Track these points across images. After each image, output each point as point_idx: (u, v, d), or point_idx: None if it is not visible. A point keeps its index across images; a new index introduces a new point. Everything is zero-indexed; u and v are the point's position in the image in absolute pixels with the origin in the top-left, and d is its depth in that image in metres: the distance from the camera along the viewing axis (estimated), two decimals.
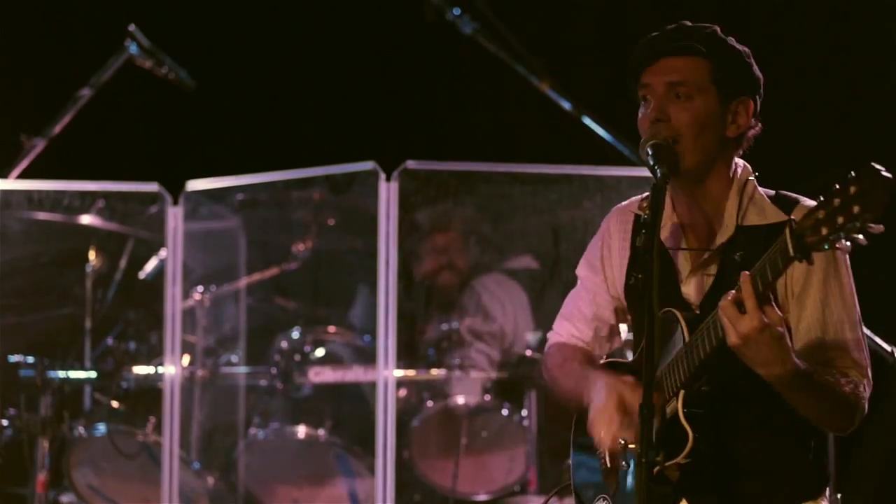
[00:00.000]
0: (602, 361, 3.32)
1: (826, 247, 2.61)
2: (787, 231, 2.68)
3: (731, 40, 3.15)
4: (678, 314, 3.02)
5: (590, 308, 3.33)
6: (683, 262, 3.14)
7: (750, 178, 3.13)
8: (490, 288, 6.16)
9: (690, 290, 3.12)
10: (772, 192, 3.14)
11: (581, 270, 3.38)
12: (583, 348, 3.35)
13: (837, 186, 2.59)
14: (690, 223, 3.14)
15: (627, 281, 3.24)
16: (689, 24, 3.16)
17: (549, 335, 3.45)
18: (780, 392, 2.88)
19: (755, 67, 3.15)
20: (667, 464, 2.92)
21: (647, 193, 3.23)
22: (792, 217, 2.78)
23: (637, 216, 3.26)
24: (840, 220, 2.57)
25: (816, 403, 2.93)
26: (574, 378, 3.24)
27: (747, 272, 2.78)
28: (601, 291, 3.31)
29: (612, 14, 6.42)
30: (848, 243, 2.59)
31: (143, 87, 6.37)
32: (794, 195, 3.12)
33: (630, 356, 3.35)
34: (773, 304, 2.82)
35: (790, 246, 2.67)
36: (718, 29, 3.15)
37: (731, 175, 3.13)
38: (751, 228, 3.07)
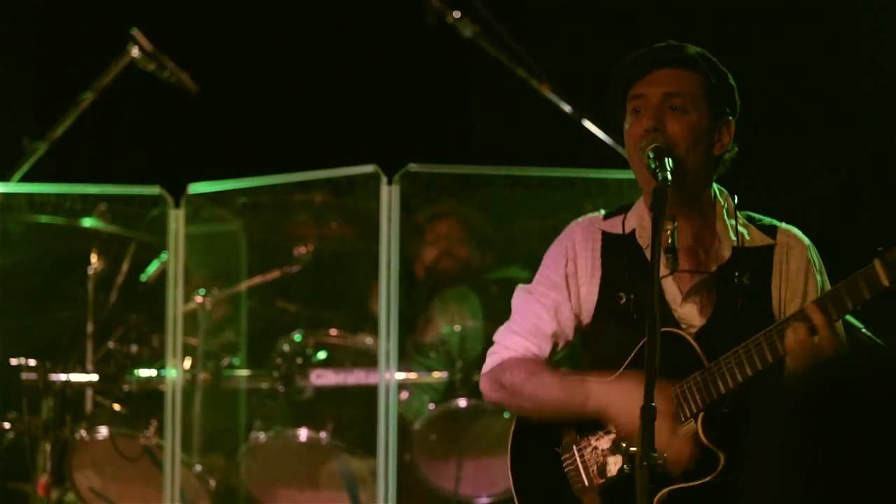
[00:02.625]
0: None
1: None
2: (878, 263, 2.73)
3: (717, 63, 3.16)
4: (686, 336, 3.01)
5: (550, 325, 3.24)
6: (672, 283, 3.13)
7: (732, 201, 3.15)
8: (446, 299, 6.14)
9: (688, 311, 3.10)
10: (745, 214, 3.16)
11: (537, 286, 3.28)
12: (544, 362, 3.25)
13: None
14: (681, 244, 3.11)
15: (609, 302, 3.19)
16: (675, 42, 3.17)
17: (495, 350, 3.33)
18: None
19: (736, 91, 3.17)
20: (693, 484, 2.92)
21: (607, 211, 3.24)
22: (879, 249, 2.81)
23: (604, 233, 3.23)
24: None
25: None
26: (559, 388, 3.15)
27: (813, 304, 2.83)
28: (563, 309, 3.24)
29: (612, 16, 6.41)
30: None
31: (144, 91, 6.37)
32: (767, 218, 3.16)
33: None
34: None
35: (884, 276, 2.72)
36: (706, 52, 3.16)
37: (713, 197, 3.14)
38: (747, 251, 3.08)
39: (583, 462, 3.12)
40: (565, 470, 3.14)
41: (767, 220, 3.16)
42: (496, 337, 3.34)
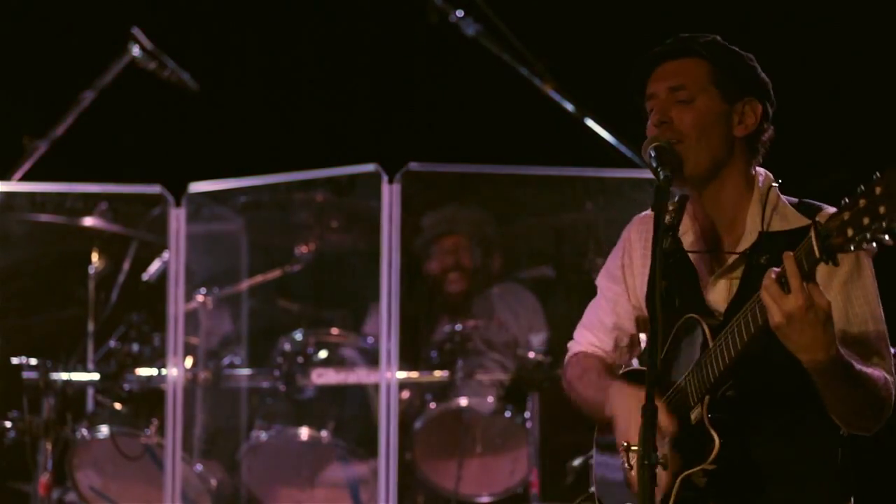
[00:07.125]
0: (622, 371, 3.28)
1: (852, 248, 2.59)
2: (813, 232, 2.66)
3: (734, 47, 3.14)
4: (701, 321, 2.99)
5: (610, 318, 3.30)
6: (703, 267, 3.12)
7: (773, 185, 3.11)
8: (505, 297, 6.13)
9: (716, 296, 3.09)
10: (795, 200, 3.11)
11: (601, 280, 3.35)
12: (602, 358, 3.31)
13: (863, 187, 2.56)
14: (711, 229, 3.12)
15: (650, 288, 3.22)
16: (686, 35, 3.16)
17: (570, 345, 3.42)
18: (818, 382, 2.82)
19: (760, 71, 3.14)
20: (693, 470, 2.90)
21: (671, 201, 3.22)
22: (817, 219, 2.74)
23: None
24: (866, 220, 2.54)
25: (853, 395, 2.86)
26: (593, 388, 3.21)
27: (790, 252, 2.74)
28: (622, 301, 3.28)
29: (614, 15, 6.41)
30: (874, 244, 2.56)
31: (145, 90, 6.37)
32: (818, 203, 3.10)
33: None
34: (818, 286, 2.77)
35: (815, 247, 2.65)
36: (719, 37, 3.14)
37: (748, 181, 3.10)
38: (774, 234, 3.04)
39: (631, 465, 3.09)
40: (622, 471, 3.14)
41: (817, 204, 3.09)
42: (575, 331, 3.42)
